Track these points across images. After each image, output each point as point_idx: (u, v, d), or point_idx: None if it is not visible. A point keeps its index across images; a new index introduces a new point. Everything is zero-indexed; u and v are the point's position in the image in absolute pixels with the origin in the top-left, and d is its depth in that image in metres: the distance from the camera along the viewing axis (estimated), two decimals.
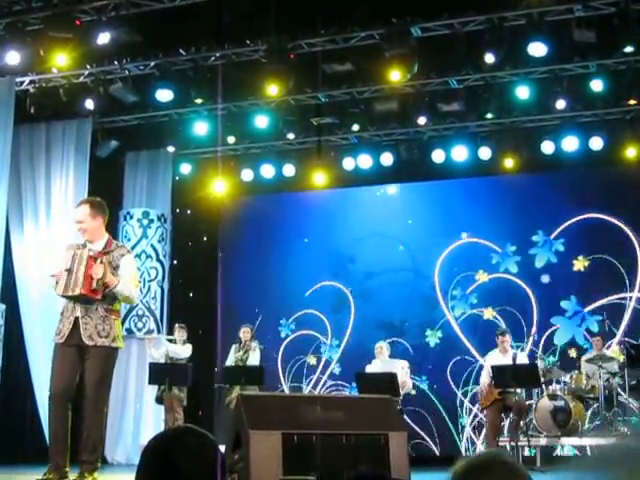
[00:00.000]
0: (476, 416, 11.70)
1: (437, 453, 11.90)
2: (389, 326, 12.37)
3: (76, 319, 5.78)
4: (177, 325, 11.10)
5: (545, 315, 11.89)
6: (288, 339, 12.90)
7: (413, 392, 11.12)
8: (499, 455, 1.88)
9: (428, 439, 11.94)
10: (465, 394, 11.98)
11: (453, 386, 12.03)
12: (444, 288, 12.45)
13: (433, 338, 12.33)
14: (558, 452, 11.03)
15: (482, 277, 12.32)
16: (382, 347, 10.59)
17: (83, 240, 6.03)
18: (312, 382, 12.73)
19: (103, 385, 5.81)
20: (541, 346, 11.71)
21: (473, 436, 11.84)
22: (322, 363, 12.77)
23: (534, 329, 11.88)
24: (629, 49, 9.11)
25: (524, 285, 12.09)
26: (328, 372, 12.69)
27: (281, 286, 12.99)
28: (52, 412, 5.88)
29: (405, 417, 10.82)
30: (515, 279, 12.17)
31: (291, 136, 12.16)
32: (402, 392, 9.90)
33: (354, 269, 12.83)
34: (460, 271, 12.36)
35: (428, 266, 12.54)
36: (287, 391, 12.41)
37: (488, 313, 12.16)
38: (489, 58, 9.42)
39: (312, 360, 12.79)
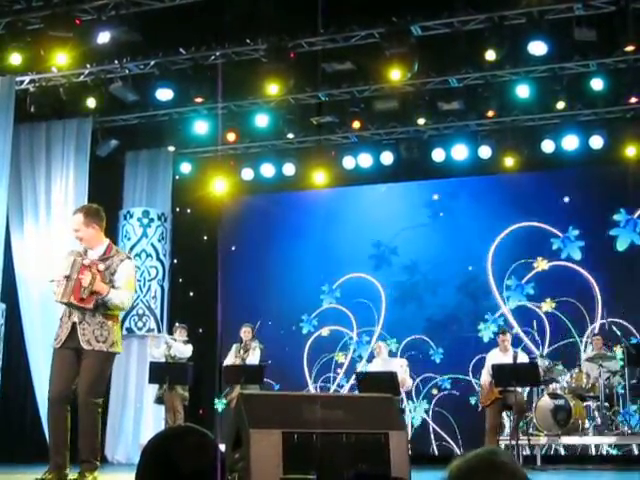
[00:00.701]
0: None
1: None
2: (431, 321, 12.20)
3: (74, 324, 5.78)
4: (178, 325, 11.10)
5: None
6: (313, 336, 12.72)
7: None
8: (495, 454, 1.86)
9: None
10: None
11: None
12: (498, 278, 12.10)
13: (487, 333, 11.98)
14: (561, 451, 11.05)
15: (541, 265, 11.97)
16: (381, 346, 10.65)
17: (83, 247, 6.04)
18: (337, 381, 12.57)
19: (96, 388, 5.80)
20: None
21: None
22: (348, 360, 12.58)
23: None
24: (630, 48, 9.09)
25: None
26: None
27: (289, 284, 12.97)
28: (51, 413, 5.90)
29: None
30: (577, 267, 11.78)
31: (291, 135, 12.17)
32: (402, 390, 9.93)
33: (396, 261, 12.66)
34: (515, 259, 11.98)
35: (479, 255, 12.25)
36: (313, 391, 12.25)
37: (547, 305, 11.80)
38: (490, 55, 9.40)
39: (340, 358, 12.58)
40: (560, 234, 11.92)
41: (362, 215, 12.88)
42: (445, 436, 11.95)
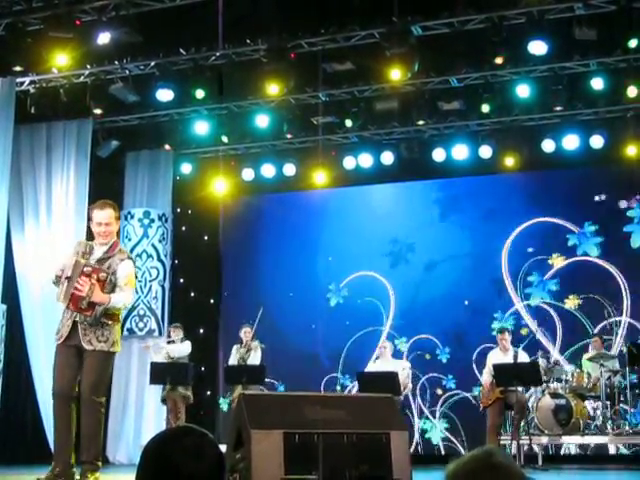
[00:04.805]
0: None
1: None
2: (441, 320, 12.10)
3: (75, 322, 5.79)
4: (172, 326, 11.14)
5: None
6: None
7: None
8: (491, 454, 1.86)
9: None
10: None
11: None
12: (513, 275, 12.00)
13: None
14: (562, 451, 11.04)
15: (558, 261, 11.87)
16: (386, 346, 10.57)
17: (93, 241, 6.04)
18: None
19: (99, 387, 5.83)
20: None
21: None
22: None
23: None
24: (632, 43, 9.06)
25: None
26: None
27: (288, 285, 12.96)
28: (55, 411, 5.92)
29: None
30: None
31: (291, 135, 12.16)
32: (403, 393, 9.89)
33: (403, 259, 12.64)
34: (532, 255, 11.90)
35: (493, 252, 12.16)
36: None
37: (570, 302, 11.69)
38: (497, 59, 9.46)
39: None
40: (576, 230, 11.84)
41: (363, 215, 12.89)
42: (451, 437, 11.94)
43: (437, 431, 12.07)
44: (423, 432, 12.11)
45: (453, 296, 12.21)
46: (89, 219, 6.21)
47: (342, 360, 12.46)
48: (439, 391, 12.14)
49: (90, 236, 9.71)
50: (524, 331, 11.84)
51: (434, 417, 12.10)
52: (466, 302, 12.17)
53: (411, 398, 11.99)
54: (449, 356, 12.13)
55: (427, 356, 12.20)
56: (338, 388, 12.39)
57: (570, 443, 10.63)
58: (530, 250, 11.98)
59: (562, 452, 11.17)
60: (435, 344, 12.19)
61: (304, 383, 12.28)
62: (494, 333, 10.89)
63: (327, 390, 12.25)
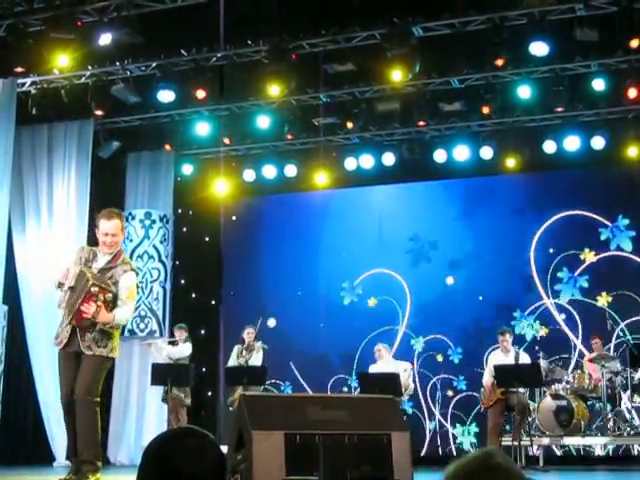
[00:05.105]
0: None
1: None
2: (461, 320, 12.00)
3: (74, 328, 5.79)
4: (177, 326, 11.12)
5: None
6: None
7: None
8: (490, 455, 1.85)
9: None
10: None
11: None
12: (542, 270, 11.80)
13: (530, 330, 11.76)
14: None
15: (588, 256, 11.68)
16: (381, 349, 10.54)
17: (97, 247, 6.03)
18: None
19: (94, 388, 5.84)
20: None
21: None
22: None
23: None
24: (634, 44, 9.05)
25: None
26: None
27: (287, 285, 12.93)
28: (64, 419, 6.01)
29: None
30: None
31: (293, 136, 12.16)
32: (405, 394, 9.89)
33: (419, 258, 12.56)
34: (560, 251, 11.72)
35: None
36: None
37: (602, 299, 11.50)
38: (497, 60, 9.46)
39: None
40: (609, 223, 11.69)
41: (365, 216, 12.88)
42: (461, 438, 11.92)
43: (468, 436, 11.93)
44: (454, 437, 11.99)
45: (472, 294, 12.11)
46: (95, 226, 6.14)
47: (356, 360, 12.28)
48: (450, 392, 12.08)
49: (90, 236, 9.75)
50: (544, 331, 11.72)
51: (445, 419, 12.04)
52: (480, 297, 12.06)
53: (422, 399, 11.97)
54: (461, 356, 12.08)
55: (439, 357, 12.15)
56: (345, 389, 12.35)
57: (571, 444, 10.62)
58: (551, 251, 11.84)
59: (563, 453, 11.16)
60: (447, 344, 12.12)
61: (313, 384, 12.30)
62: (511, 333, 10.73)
63: (334, 391, 12.18)
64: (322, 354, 12.58)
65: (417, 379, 11.87)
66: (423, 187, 12.91)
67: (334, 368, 12.52)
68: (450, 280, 12.34)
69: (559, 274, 11.86)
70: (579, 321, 11.65)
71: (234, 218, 13.62)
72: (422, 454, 11.69)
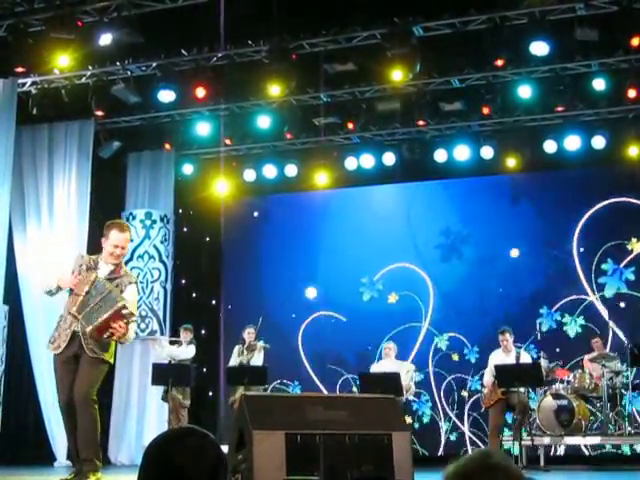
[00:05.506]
0: None
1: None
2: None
3: (74, 332, 5.79)
4: (183, 327, 11.08)
5: None
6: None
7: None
8: (489, 455, 1.85)
9: None
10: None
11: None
12: (586, 263, 11.34)
13: (573, 326, 11.48)
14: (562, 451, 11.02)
15: (635, 246, 11.31)
16: (391, 348, 10.49)
17: (97, 256, 6.02)
18: None
19: (92, 389, 5.85)
20: None
21: None
22: None
23: None
24: (634, 43, 9.05)
25: None
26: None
27: (287, 285, 12.92)
28: (64, 422, 6.01)
29: None
30: None
31: (293, 136, 12.16)
32: (405, 395, 9.86)
33: (440, 257, 12.39)
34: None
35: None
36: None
37: None
38: (497, 61, 9.47)
39: None
40: None
41: (366, 215, 12.87)
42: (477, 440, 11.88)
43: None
44: (471, 439, 11.88)
45: (497, 290, 11.93)
46: (102, 235, 6.08)
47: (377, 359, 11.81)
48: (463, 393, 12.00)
49: (91, 236, 9.74)
50: (572, 330, 11.42)
51: (460, 420, 11.98)
52: (500, 289, 11.84)
53: (438, 399, 11.95)
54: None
55: (455, 356, 12.08)
56: (355, 390, 12.29)
57: (572, 444, 10.61)
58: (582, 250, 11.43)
59: (564, 453, 11.15)
60: (463, 343, 12.01)
61: (324, 384, 12.24)
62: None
63: (343, 391, 12.09)
64: (337, 353, 12.43)
65: (431, 379, 11.89)
66: (423, 186, 12.88)
67: (349, 367, 12.31)
68: (474, 276, 12.09)
69: (603, 266, 11.49)
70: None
71: (234, 218, 13.61)
72: (439, 454, 11.69)
